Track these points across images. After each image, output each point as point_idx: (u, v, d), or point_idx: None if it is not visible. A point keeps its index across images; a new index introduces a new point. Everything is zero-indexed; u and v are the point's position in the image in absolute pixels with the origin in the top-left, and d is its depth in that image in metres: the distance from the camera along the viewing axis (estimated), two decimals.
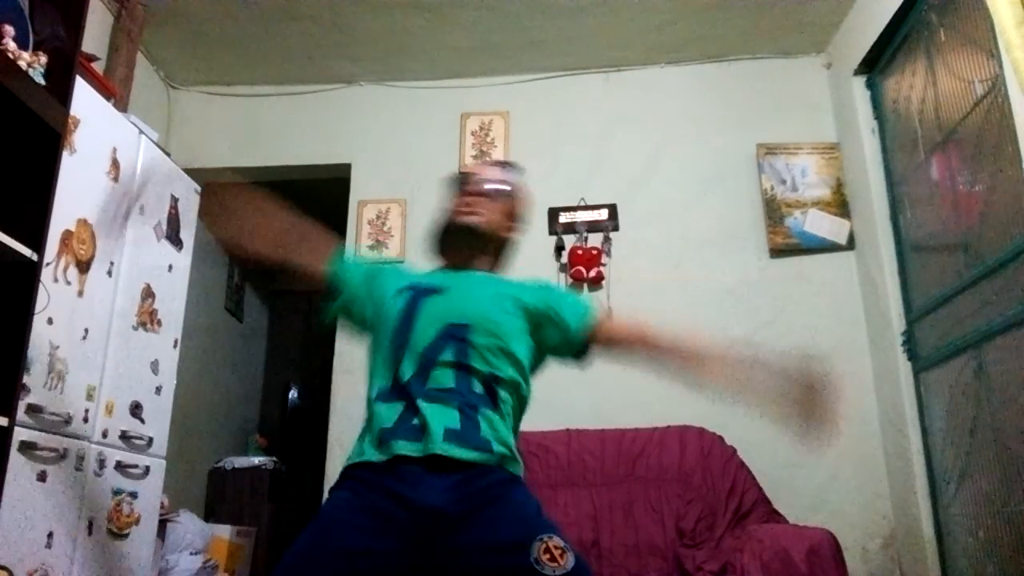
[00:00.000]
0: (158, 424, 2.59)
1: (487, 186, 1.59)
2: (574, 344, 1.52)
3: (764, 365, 1.45)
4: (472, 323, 1.43)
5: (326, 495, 1.41)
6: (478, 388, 1.39)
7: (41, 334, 1.96)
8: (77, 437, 2.15)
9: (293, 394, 5.43)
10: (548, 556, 1.25)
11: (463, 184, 1.62)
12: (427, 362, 1.39)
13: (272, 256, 1.62)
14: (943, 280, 2.66)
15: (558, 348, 1.54)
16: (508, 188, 1.63)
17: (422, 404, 1.34)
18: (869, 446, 3.07)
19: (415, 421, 1.33)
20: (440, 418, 1.33)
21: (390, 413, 1.36)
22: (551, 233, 3.42)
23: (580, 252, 3.37)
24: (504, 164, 1.71)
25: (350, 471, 1.37)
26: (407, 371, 1.39)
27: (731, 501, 2.72)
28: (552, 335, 1.51)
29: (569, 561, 1.26)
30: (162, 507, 2.75)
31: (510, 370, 1.44)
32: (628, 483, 2.81)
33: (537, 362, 1.55)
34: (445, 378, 1.38)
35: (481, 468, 1.33)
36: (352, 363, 3.39)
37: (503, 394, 1.42)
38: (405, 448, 1.31)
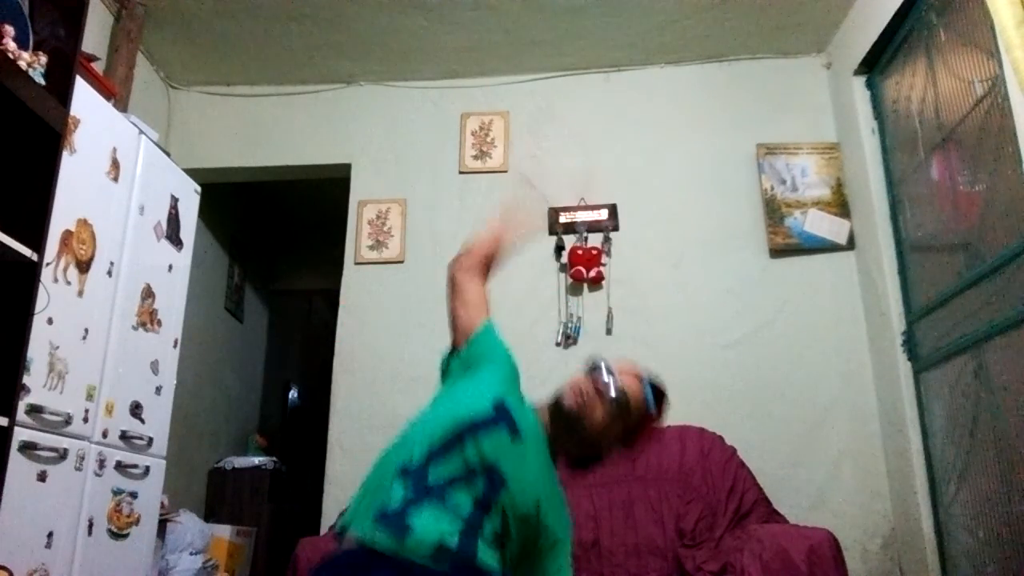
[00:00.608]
0: (158, 424, 2.59)
1: (614, 409, 1.47)
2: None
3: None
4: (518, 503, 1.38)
5: None
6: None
7: (41, 334, 1.96)
8: (77, 437, 2.14)
9: (293, 394, 5.44)
10: None
11: (623, 412, 1.49)
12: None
13: None
14: (943, 280, 2.66)
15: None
16: (639, 416, 1.51)
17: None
18: (869, 446, 3.07)
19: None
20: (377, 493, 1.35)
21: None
22: (551, 233, 3.42)
23: (580, 252, 3.37)
24: (658, 388, 1.56)
25: None
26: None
27: (731, 501, 2.72)
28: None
29: None
30: (162, 507, 2.75)
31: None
32: (628, 483, 2.81)
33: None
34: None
35: None
36: (352, 363, 3.39)
37: None
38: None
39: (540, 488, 1.39)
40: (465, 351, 1.54)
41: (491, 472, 1.33)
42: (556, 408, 1.47)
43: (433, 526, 1.26)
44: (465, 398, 1.44)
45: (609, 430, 1.47)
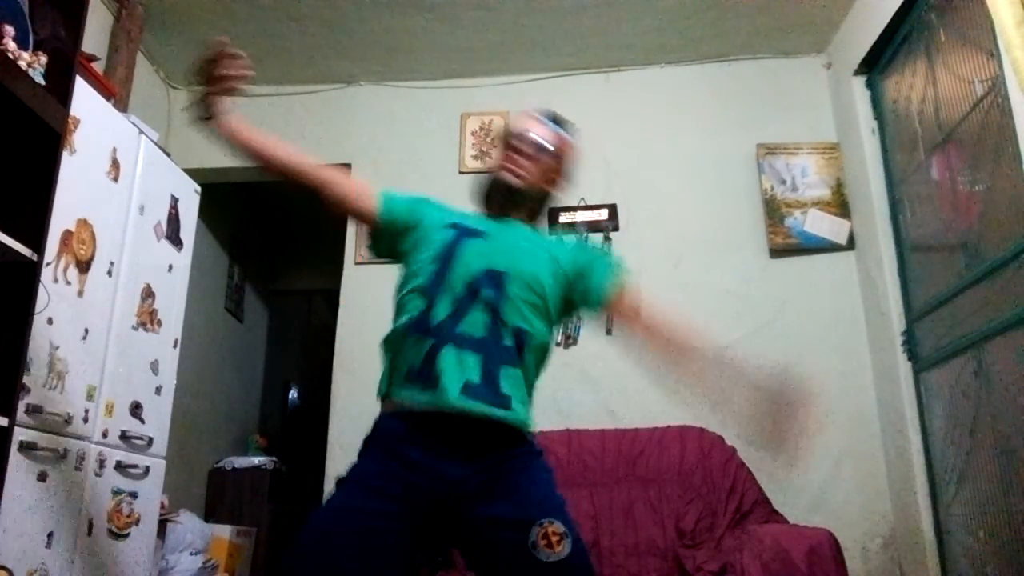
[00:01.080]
0: (158, 424, 2.59)
1: (531, 144, 1.58)
2: (593, 306, 1.56)
3: (743, 376, 1.51)
4: (511, 272, 1.44)
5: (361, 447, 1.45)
6: (508, 341, 1.40)
7: (41, 334, 1.96)
8: (77, 437, 2.15)
9: (293, 394, 5.44)
10: (545, 542, 1.29)
11: (510, 139, 1.61)
12: (462, 304, 1.40)
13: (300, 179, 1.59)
14: (943, 280, 2.66)
15: (580, 304, 1.57)
16: (552, 147, 1.61)
17: (449, 350, 1.36)
18: (869, 446, 3.07)
19: (438, 366, 1.35)
20: (461, 369, 1.35)
21: (417, 351, 1.38)
22: (551, 233, 3.41)
23: None
24: (554, 119, 1.66)
25: (378, 428, 1.42)
26: (440, 310, 1.40)
27: (731, 501, 2.72)
28: (578, 293, 1.54)
29: (565, 548, 1.30)
30: (162, 507, 2.75)
31: (541, 328, 1.46)
32: (628, 483, 2.81)
33: (564, 319, 1.59)
34: (477, 324, 1.39)
35: (500, 433, 1.37)
36: (352, 363, 3.39)
37: (529, 352, 1.44)
38: (423, 398, 1.35)
39: (529, 258, 1.49)
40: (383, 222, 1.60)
41: (488, 277, 1.43)
42: (501, 190, 1.56)
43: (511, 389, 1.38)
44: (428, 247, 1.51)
45: (551, 178, 1.62)
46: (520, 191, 1.56)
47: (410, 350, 1.39)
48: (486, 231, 1.52)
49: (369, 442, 1.43)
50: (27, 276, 1.78)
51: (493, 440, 1.37)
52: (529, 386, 1.46)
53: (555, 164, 1.62)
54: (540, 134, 1.60)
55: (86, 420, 2.19)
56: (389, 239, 1.60)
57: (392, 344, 1.46)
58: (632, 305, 1.56)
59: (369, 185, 1.66)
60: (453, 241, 1.47)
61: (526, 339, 1.42)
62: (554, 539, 1.29)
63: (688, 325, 1.52)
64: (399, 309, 1.49)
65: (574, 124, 1.70)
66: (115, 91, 2.79)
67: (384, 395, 1.43)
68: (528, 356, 1.44)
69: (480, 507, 1.33)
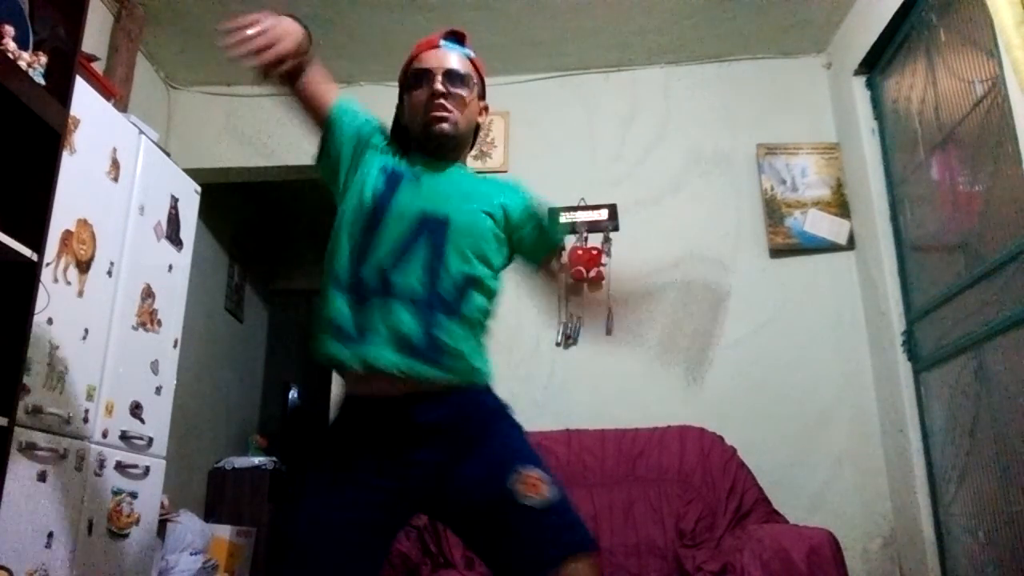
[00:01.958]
0: (158, 424, 2.59)
1: (452, 83, 1.47)
2: (541, 255, 1.53)
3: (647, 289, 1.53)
4: (452, 218, 1.37)
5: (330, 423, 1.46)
6: (450, 290, 1.33)
7: (41, 334, 1.96)
8: (77, 437, 2.15)
9: (293, 394, 5.43)
10: (523, 486, 1.25)
11: (423, 82, 1.47)
12: (397, 256, 1.33)
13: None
14: (943, 280, 2.66)
15: (527, 253, 1.53)
16: (472, 76, 1.51)
17: (392, 308, 1.29)
18: (869, 446, 3.07)
19: (378, 327, 1.29)
20: (401, 329, 1.29)
21: (346, 310, 1.32)
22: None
23: (580, 252, 3.36)
24: (450, 37, 1.54)
25: (343, 419, 1.42)
26: (373, 264, 1.33)
27: (731, 501, 2.72)
28: (528, 240, 1.50)
29: (549, 492, 1.26)
30: (162, 507, 2.75)
31: (486, 272, 1.40)
32: (628, 483, 2.80)
33: (505, 264, 1.52)
34: (414, 277, 1.31)
35: (458, 392, 1.33)
36: None
37: (477, 298, 1.37)
38: (356, 359, 1.30)
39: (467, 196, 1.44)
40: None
41: (426, 223, 1.36)
42: (435, 140, 1.47)
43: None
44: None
45: (478, 109, 1.55)
46: (455, 136, 1.47)
47: (341, 310, 1.32)
48: (423, 175, 1.44)
49: (336, 430, 1.41)
50: (27, 276, 1.78)
51: (457, 406, 1.33)
52: (482, 333, 1.39)
53: (477, 91, 1.54)
54: (453, 65, 1.49)
55: (86, 420, 2.19)
56: (331, 163, 1.51)
57: (324, 299, 1.37)
58: (556, 263, 1.53)
59: (339, 94, 1.58)
60: (387, 188, 1.39)
61: (473, 286, 1.36)
62: (532, 483, 1.26)
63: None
64: (329, 260, 1.40)
65: (466, 32, 1.59)
66: (115, 91, 2.79)
67: (322, 355, 1.37)
68: (477, 302, 1.37)
69: (452, 479, 1.30)
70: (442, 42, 1.52)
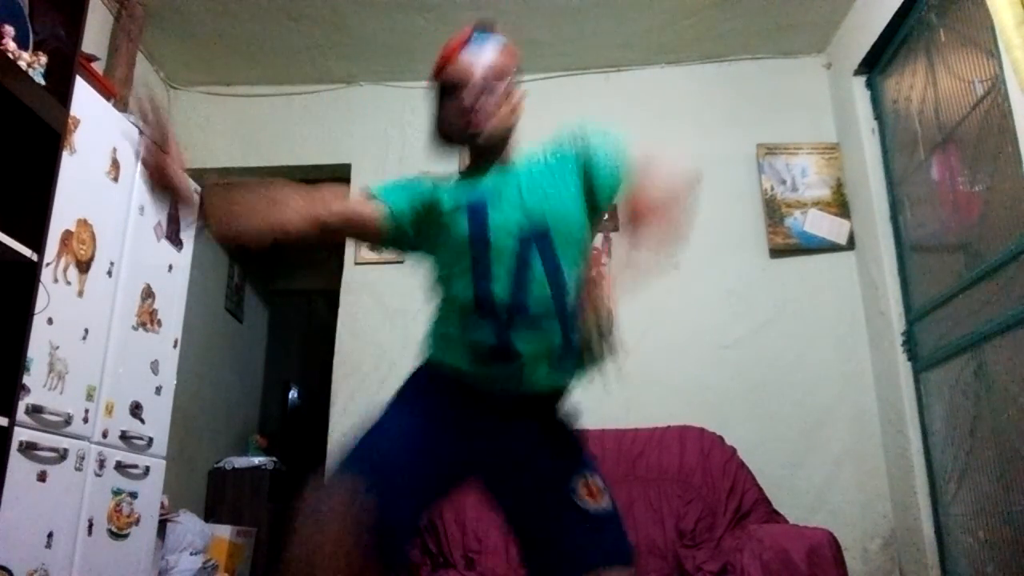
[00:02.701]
0: (158, 424, 2.59)
1: (484, 87, 1.39)
2: (600, 207, 1.46)
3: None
4: (552, 225, 1.33)
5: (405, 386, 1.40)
6: (572, 297, 1.32)
7: (41, 334, 1.96)
8: (77, 437, 2.15)
9: (293, 394, 5.43)
10: (586, 491, 1.31)
11: (456, 93, 1.40)
12: (519, 283, 1.29)
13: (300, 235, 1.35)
14: (943, 280, 2.66)
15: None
16: (503, 74, 1.42)
17: (522, 337, 1.28)
18: (869, 446, 3.07)
19: (514, 355, 1.28)
20: (540, 353, 1.30)
21: (483, 331, 1.30)
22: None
23: None
24: (484, 30, 1.45)
25: (436, 369, 1.37)
26: (499, 292, 1.29)
27: (731, 501, 2.72)
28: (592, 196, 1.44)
29: (606, 502, 1.32)
30: (162, 507, 2.75)
31: (586, 258, 1.39)
32: (628, 483, 2.80)
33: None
34: (542, 298, 1.29)
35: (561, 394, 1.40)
36: (352, 363, 3.39)
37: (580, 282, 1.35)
38: (502, 382, 1.32)
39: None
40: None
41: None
42: (479, 147, 1.44)
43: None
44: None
45: (514, 104, 1.45)
46: (503, 136, 1.43)
47: (474, 328, 1.30)
48: (495, 193, 1.37)
49: (427, 385, 1.37)
50: (27, 276, 1.78)
51: (553, 408, 1.41)
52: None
53: (511, 86, 1.44)
54: (486, 69, 1.40)
55: (86, 420, 2.19)
56: (407, 241, 1.44)
57: (449, 315, 1.36)
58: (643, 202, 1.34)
59: (361, 201, 1.44)
60: (474, 224, 1.33)
61: (583, 281, 1.33)
62: (593, 489, 1.31)
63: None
64: (447, 288, 1.38)
65: (495, 21, 1.49)
66: (115, 91, 2.79)
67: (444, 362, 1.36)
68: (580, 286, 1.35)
69: (524, 461, 1.34)
70: (474, 36, 1.44)
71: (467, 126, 1.40)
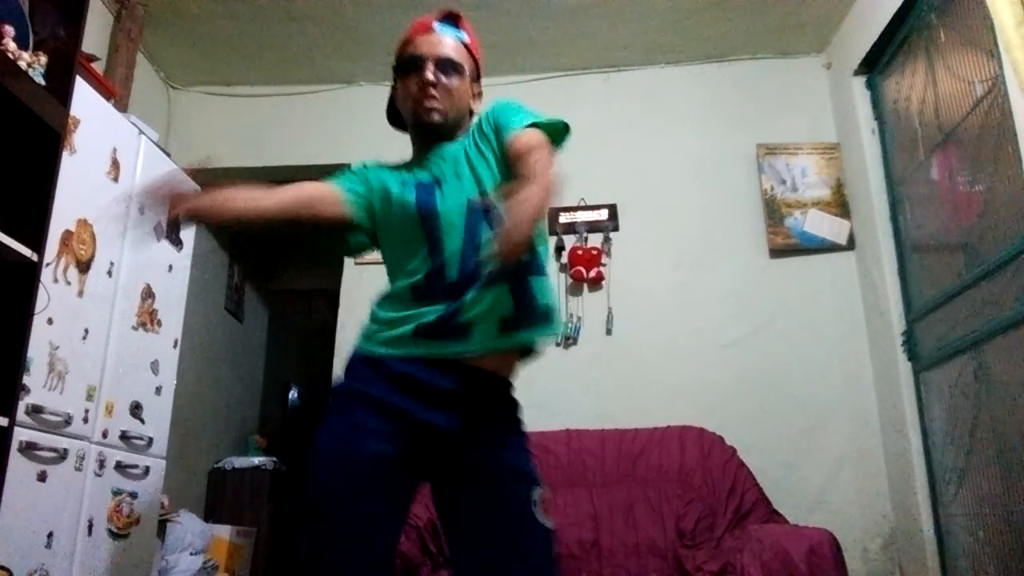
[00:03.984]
0: (158, 424, 2.59)
1: (441, 70, 1.44)
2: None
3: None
4: (492, 194, 1.34)
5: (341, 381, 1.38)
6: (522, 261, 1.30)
7: (41, 334, 1.96)
8: (77, 437, 2.15)
9: (293, 394, 5.43)
10: (544, 506, 1.29)
11: (414, 70, 1.45)
12: (470, 254, 1.31)
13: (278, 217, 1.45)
14: (943, 280, 2.66)
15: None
16: (463, 62, 1.46)
17: (471, 306, 1.28)
18: (869, 446, 3.07)
19: (462, 319, 1.29)
20: (491, 320, 1.30)
21: (435, 306, 1.30)
22: (551, 233, 3.42)
23: (580, 252, 3.37)
24: (446, 19, 1.49)
25: (361, 365, 1.35)
26: (450, 264, 1.32)
27: (731, 501, 2.72)
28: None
29: (551, 521, 1.30)
30: (162, 507, 2.75)
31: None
32: (628, 483, 2.81)
33: None
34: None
35: (497, 378, 1.37)
36: None
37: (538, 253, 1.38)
38: (453, 348, 1.30)
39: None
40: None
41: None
42: (426, 129, 1.47)
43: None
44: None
45: (472, 93, 1.53)
46: (444, 125, 1.45)
47: (423, 312, 1.31)
48: (438, 175, 1.41)
49: (357, 385, 1.35)
50: (27, 276, 1.78)
51: (489, 391, 1.35)
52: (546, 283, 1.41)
53: (471, 75, 1.49)
54: (445, 53, 1.45)
55: (86, 420, 2.19)
56: (366, 227, 1.50)
57: (389, 311, 1.38)
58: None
59: (323, 184, 1.54)
60: (421, 203, 1.38)
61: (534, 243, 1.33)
62: (548, 506, 1.30)
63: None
64: (393, 279, 1.42)
65: (460, 11, 1.54)
66: (115, 91, 2.79)
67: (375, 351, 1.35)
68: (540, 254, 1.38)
69: (489, 454, 1.31)
70: (436, 25, 1.49)
71: (413, 106, 1.46)
